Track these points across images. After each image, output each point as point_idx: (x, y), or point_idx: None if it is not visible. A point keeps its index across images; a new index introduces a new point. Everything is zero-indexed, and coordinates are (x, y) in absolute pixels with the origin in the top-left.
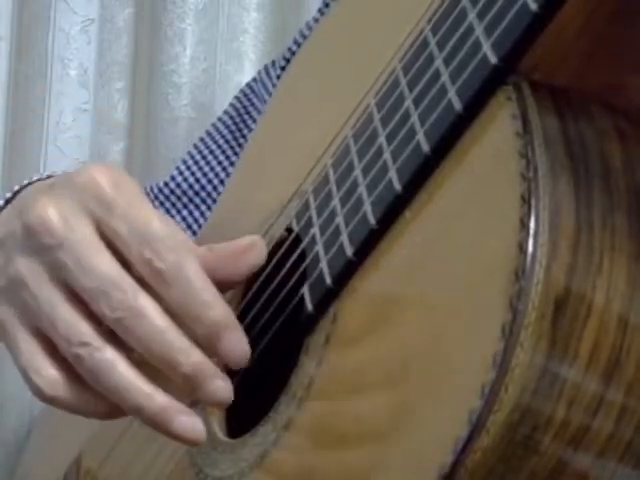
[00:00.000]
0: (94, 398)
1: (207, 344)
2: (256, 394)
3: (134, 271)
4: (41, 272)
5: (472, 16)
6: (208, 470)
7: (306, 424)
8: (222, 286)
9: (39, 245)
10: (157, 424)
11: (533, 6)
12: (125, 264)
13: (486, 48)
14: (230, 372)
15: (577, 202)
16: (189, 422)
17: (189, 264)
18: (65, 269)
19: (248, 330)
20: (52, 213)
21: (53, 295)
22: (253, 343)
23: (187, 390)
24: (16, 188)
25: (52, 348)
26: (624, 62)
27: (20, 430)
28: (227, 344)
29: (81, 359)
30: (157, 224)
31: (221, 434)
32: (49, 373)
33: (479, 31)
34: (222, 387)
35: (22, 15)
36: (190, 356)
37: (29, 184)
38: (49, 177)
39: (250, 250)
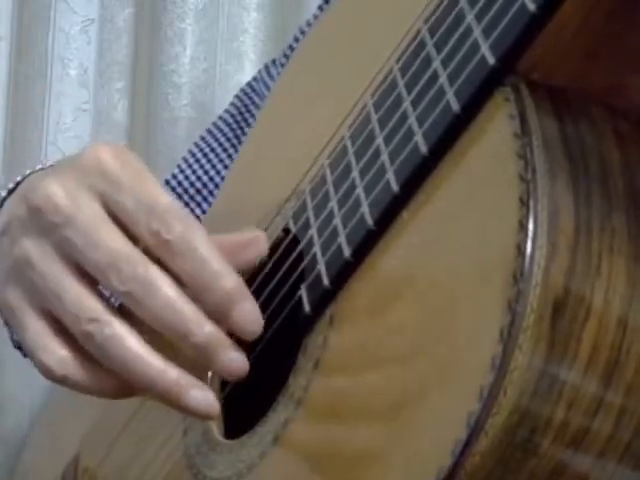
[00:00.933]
0: (105, 376)
1: (219, 315)
2: (254, 395)
3: (142, 245)
4: (48, 251)
5: (470, 17)
6: (206, 471)
7: (304, 425)
8: None
9: (45, 224)
10: (170, 398)
11: (531, 7)
12: (133, 239)
13: (484, 49)
14: None
15: (576, 203)
16: (202, 395)
17: (197, 235)
18: (73, 246)
19: None
20: (58, 191)
21: (61, 273)
22: (251, 344)
23: (201, 362)
24: (18, 179)
25: (60, 327)
26: (623, 62)
27: (20, 430)
28: (239, 313)
29: (90, 335)
30: (164, 197)
31: (219, 435)
32: (58, 352)
33: (477, 32)
34: (237, 357)
35: (22, 15)
36: (203, 326)
37: (31, 173)
38: (51, 166)
39: (253, 243)
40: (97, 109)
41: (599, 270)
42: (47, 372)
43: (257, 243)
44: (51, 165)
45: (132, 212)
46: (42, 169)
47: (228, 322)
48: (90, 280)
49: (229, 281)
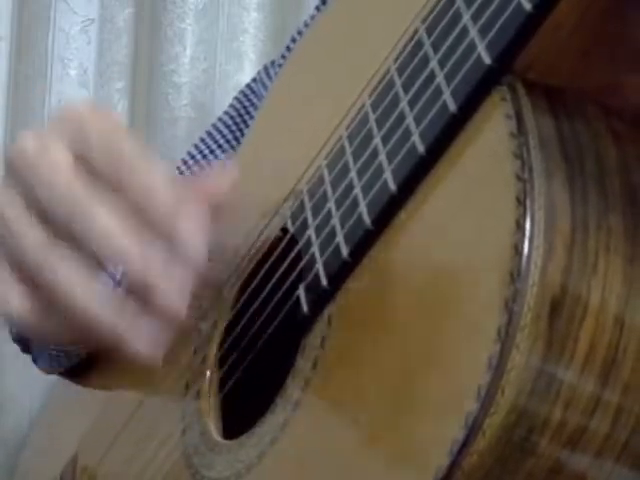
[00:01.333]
0: (59, 318)
1: (166, 229)
2: (252, 395)
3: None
4: (15, 199)
5: (467, 17)
6: (204, 471)
7: (302, 425)
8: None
9: (15, 173)
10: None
11: (527, 6)
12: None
13: (480, 49)
14: (227, 373)
15: (572, 203)
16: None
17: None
18: (31, 187)
19: (244, 331)
20: (29, 142)
21: (20, 216)
22: (249, 344)
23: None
24: None
25: (23, 276)
26: (619, 61)
27: (20, 430)
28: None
29: (39, 265)
30: (126, 135)
31: (218, 435)
32: (17, 297)
33: (473, 32)
34: (179, 289)
35: (22, 15)
36: (139, 251)
37: None
38: None
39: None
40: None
41: (596, 269)
42: (7, 315)
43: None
44: None
45: (92, 146)
46: None
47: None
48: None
49: (166, 195)
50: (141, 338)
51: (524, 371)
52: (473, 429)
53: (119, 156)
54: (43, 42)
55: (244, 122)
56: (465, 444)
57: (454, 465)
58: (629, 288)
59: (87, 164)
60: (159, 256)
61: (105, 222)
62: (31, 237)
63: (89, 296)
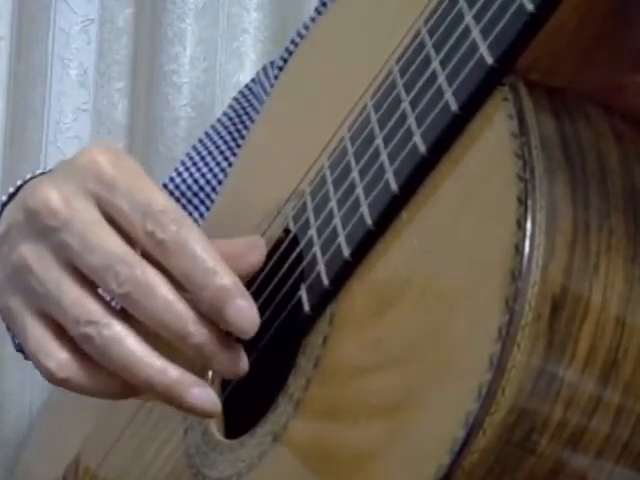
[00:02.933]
0: (106, 377)
1: (214, 313)
2: (254, 395)
3: (139, 247)
4: (46, 255)
5: (469, 18)
6: (206, 471)
7: (304, 425)
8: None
9: (42, 228)
10: (172, 398)
11: (529, 7)
12: (130, 242)
13: (483, 49)
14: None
15: (574, 203)
16: (204, 393)
17: (192, 233)
18: (70, 249)
19: None
20: (54, 195)
21: (59, 276)
22: (251, 344)
23: (200, 362)
24: (19, 182)
25: (61, 331)
26: (621, 62)
27: (20, 430)
28: (234, 310)
29: (90, 338)
30: (159, 197)
31: (219, 435)
32: (59, 355)
33: (475, 33)
34: (237, 356)
35: (22, 15)
36: (201, 326)
37: (32, 178)
38: (50, 170)
39: (251, 250)
40: (97, 109)
41: (597, 269)
42: (49, 376)
43: (257, 249)
44: (50, 170)
45: (127, 213)
46: (42, 173)
47: (223, 320)
48: (88, 283)
49: (223, 278)
50: (199, 394)
51: (525, 370)
52: (474, 428)
53: (162, 229)
54: (43, 42)
55: (242, 123)
56: (466, 443)
57: (455, 464)
58: (630, 288)
59: (115, 220)
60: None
61: (163, 293)
62: (72, 295)
63: (143, 351)
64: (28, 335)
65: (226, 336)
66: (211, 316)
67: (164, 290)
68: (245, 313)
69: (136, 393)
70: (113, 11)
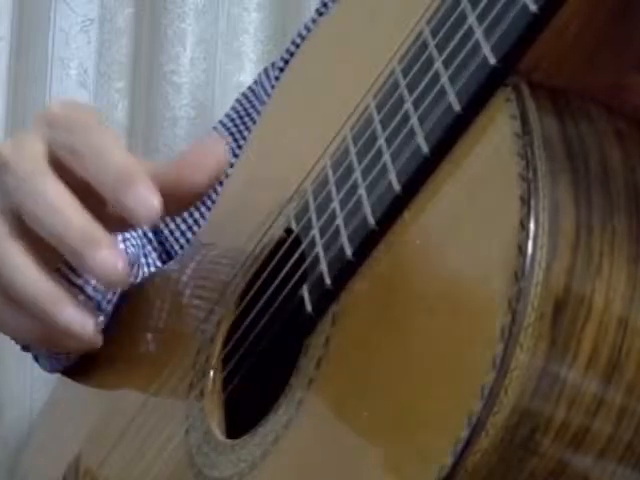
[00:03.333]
0: (22, 315)
1: (116, 200)
2: (256, 395)
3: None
4: None
5: (472, 19)
6: (207, 471)
7: (306, 425)
8: (191, 192)
9: None
10: (45, 313)
11: (533, 7)
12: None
13: (485, 50)
14: (230, 373)
15: (577, 203)
16: (76, 313)
17: (98, 137)
18: (6, 186)
19: (248, 331)
20: (7, 143)
21: None
22: (253, 344)
23: (76, 264)
24: None
25: None
26: (624, 62)
27: (20, 429)
28: (133, 195)
29: None
30: (85, 117)
31: (220, 435)
32: None
33: (479, 33)
34: (107, 255)
35: (22, 15)
36: (77, 218)
37: None
38: None
39: (211, 147)
40: (97, 109)
41: (600, 269)
42: None
43: (214, 148)
44: None
45: (63, 141)
46: None
47: (125, 207)
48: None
49: (118, 160)
50: (72, 314)
51: (527, 371)
52: (476, 428)
53: (75, 123)
54: (43, 42)
55: (244, 124)
56: (469, 443)
57: (457, 464)
58: (633, 289)
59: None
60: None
61: (51, 194)
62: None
63: (28, 277)
64: None
65: (105, 236)
66: (115, 204)
67: (52, 192)
68: (143, 196)
69: (52, 333)
70: (113, 11)
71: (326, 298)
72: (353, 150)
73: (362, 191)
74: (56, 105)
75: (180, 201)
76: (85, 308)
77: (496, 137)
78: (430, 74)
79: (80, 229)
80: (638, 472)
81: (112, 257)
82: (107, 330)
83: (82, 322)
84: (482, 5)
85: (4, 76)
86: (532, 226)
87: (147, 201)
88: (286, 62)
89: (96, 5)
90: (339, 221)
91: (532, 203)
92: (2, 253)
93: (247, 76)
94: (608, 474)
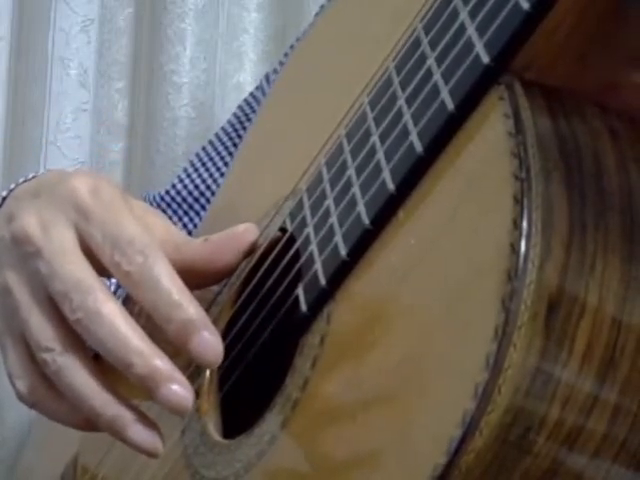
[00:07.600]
0: (69, 406)
1: (178, 345)
2: (251, 395)
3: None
4: (24, 280)
5: (464, 15)
6: (204, 471)
7: (301, 424)
8: (221, 272)
9: (22, 254)
10: (114, 432)
11: (525, 5)
12: (104, 271)
13: (478, 48)
14: (226, 372)
15: (570, 202)
16: (142, 431)
17: (158, 265)
18: (41, 275)
19: (242, 331)
20: (33, 223)
21: (31, 302)
22: (248, 343)
23: (145, 390)
24: (12, 186)
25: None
26: (617, 61)
27: (20, 428)
28: (197, 343)
29: (46, 363)
30: (128, 228)
31: (217, 435)
32: (30, 379)
33: (471, 30)
34: (176, 391)
35: (22, 15)
36: (145, 357)
37: (25, 181)
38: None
39: (245, 232)
40: (97, 109)
41: (593, 268)
42: (21, 397)
43: (249, 231)
44: (45, 171)
45: (99, 243)
46: (34, 177)
47: (188, 351)
48: (56, 310)
49: (186, 311)
50: (141, 431)
51: (521, 370)
52: (470, 427)
53: (128, 261)
54: (43, 42)
55: (244, 129)
56: (462, 442)
57: (451, 463)
58: (626, 287)
59: (91, 249)
60: (162, 358)
61: (111, 321)
62: (37, 320)
63: (90, 382)
64: (7, 356)
65: (174, 370)
66: (179, 347)
67: (112, 318)
68: (208, 345)
69: (98, 428)
70: (113, 11)
71: (321, 297)
72: (347, 148)
73: (356, 190)
74: (84, 190)
75: (206, 279)
76: (147, 423)
77: (489, 136)
78: (423, 71)
79: (144, 366)
80: (633, 470)
81: (181, 391)
82: None
83: (153, 443)
84: (474, 2)
85: (4, 76)
86: (525, 225)
87: (215, 349)
88: None
89: (96, 5)
90: (333, 220)
91: (525, 202)
92: (62, 367)
93: (247, 76)
94: (602, 473)
